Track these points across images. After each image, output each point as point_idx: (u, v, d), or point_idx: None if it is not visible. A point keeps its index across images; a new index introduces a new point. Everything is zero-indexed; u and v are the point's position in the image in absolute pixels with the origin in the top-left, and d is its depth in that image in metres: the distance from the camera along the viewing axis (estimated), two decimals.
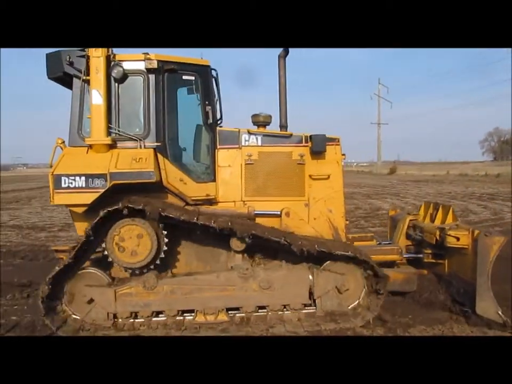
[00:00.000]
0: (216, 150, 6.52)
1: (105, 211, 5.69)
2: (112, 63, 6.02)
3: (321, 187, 6.63)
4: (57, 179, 5.77)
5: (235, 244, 6.12)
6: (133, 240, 5.88)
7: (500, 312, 5.81)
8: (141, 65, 6.08)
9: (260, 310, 6.28)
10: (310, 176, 6.61)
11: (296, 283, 6.16)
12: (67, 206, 6.00)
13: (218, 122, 6.73)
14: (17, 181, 55.29)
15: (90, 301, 6.05)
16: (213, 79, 6.63)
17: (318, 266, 6.19)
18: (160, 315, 6.22)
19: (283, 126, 6.79)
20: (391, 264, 7.03)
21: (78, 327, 5.98)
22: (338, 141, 6.64)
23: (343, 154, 6.65)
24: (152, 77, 6.12)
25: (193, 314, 6.19)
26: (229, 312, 6.21)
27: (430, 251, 7.11)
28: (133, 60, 6.13)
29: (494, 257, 5.87)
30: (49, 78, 6.21)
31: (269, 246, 6.16)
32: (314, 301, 6.25)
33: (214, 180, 6.50)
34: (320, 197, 6.63)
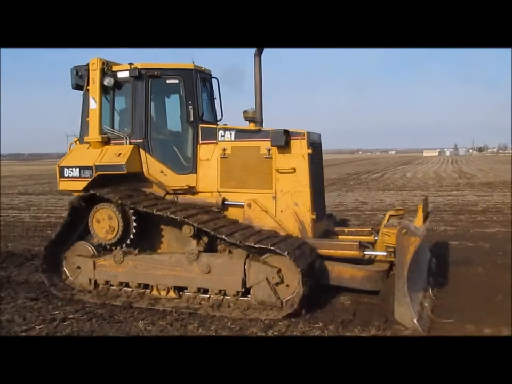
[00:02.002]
0: (198, 145, 7.25)
1: (76, 197, 7.16)
2: (106, 74, 7.19)
3: (287, 180, 6.84)
4: (61, 170, 7.35)
5: (184, 229, 6.72)
6: (105, 221, 6.92)
7: (415, 321, 5.41)
8: (131, 73, 7.19)
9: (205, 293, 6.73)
10: (277, 170, 6.87)
11: (232, 271, 6.46)
12: (68, 191, 7.52)
13: (219, 120, 7.79)
14: None
15: (78, 267, 7.32)
16: (203, 81, 7.52)
17: (259, 257, 6.41)
18: (127, 286, 7.12)
19: (257, 122, 7.13)
20: (371, 261, 6.77)
21: (67, 288, 7.34)
22: (304, 135, 6.76)
23: (309, 149, 6.75)
24: (138, 82, 7.16)
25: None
26: (180, 292, 6.84)
27: (392, 249, 6.42)
28: (123, 69, 7.25)
29: (410, 259, 5.51)
30: (72, 88, 7.53)
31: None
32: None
33: (195, 172, 7.25)
34: (286, 190, 6.86)
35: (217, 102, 8.03)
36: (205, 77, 7.66)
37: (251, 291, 6.42)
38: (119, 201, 6.76)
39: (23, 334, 5.84)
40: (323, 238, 7.13)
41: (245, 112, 7.18)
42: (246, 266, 6.39)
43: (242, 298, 6.48)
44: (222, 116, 7.90)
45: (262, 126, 7.14)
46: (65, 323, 6.21)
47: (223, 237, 6.27)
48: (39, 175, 52.84)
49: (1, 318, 6.41)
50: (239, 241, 6.18)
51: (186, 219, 6.46)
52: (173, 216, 6.50)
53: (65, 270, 7.48)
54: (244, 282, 6.40)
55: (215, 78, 7.94)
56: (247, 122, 7.28)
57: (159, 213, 6.55)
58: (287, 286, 6.24)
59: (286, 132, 6.72)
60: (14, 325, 6.15)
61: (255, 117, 7.13)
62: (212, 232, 6.33)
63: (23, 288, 7.83)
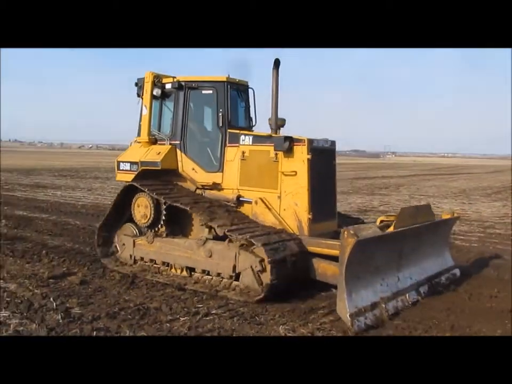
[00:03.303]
0: (225, 147, 8.15)
1: (122, 188, 8.59)
2: (156, 85, 8.54)
3: (290, 182, 7.47)
4: (118, 164, 8.93)
5: (197, 219, 7.92)
6: (142, 208, 8.24)
7: (348, 316, 5.75)
8: (172, 86, 8.50)
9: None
10: (282, 172, 7.52)
11: (227, 257, 7.23)
12: (123, 181, 8.78)
13: (253, 126, 8.91)
14: (385, 168, 64.07)
15: (123, 244, 8.71)
16: (237, 92, 8.62)
17: (248, 248, 7.03)
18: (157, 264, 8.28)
19: (272, 129, 7.82)
20: None
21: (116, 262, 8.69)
22: (305, 142, 7.33)
23: (309, 154, 7.28)
24: (179, 93, 8.43)
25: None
26: (191, 274, 7.81)
27: None
28: (169, 82, 8.56)
29: (346, 259, 5.81)
30: (137, 97, 8.87)
31: None
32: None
33: (222, 171, 8.18)
34: (289, 191, 7.48)
35: (252, 109, 9.03)
36: (239, 88, 8.69)
37: (240, 276, 7.12)
38: (151, 193, 7.97)
39: (167, 325, 5.98)
40: (319, 237, 7.37)
41: (269, 119, 7.86)
42: (236, 254, 7.09)
43: (235, 282, 7.21)
44: (255, 122, 8.95)
45: (276, 133, 7.87)
46: (207, 318, 6.27)
47: (215, 226, 7.29)
48: None
49: (150, 305, 6.61)
50: (224, 231, 7.09)
51: (191, 209, 7.60)
52: (183, 206, 7.61)
53: (116, 245, 8.89)
54: (234, 268, 7.15)
55: (251, 88, 8.91)
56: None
57: (175, 204, 7.71)
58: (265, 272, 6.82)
59: (289, 139, 7.35)
60: (160, 314, 6.34)
61: (282, 124, 8.09)
62: (209, 222, 7.38)
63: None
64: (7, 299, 6.65)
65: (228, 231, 7.08)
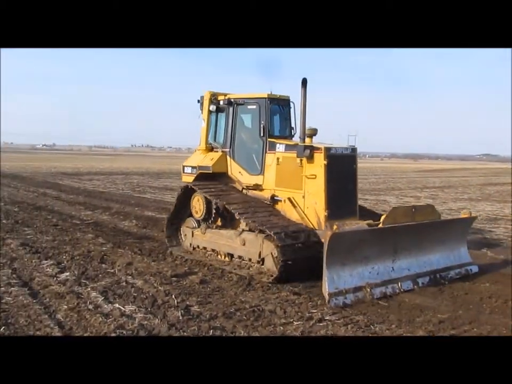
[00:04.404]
0: (265, 154, 9.33)
1: (182, 188, 10.21)
2: (212, 102, 9.97)
3: (311, 184, 8.52)
4: (183, 168, 10.50)
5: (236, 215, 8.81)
6: (197, 204, 9.76)
7: (326, 295, 6.90)
8: (223, 102, 9.92)
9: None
10: (305, 175, 8.57)
11: (255, 245, 8.58)
12: (185, 182, 10.17)
13: (293, 135, 9.96)
14: None
15: (185, 235, 10.34)
16: (279, 105, 9.77)
17: (270, 237, 8.11)
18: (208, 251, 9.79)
19: (301, 138, 8.75)
20: None
21: (181, 249, 10.22)
22: (321, 150, 8.35)
23: (325, 160, 8.28)
24: (229, 108, 9.82)
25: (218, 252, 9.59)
26: (232, 258, 9.22)
27: None
28: (222, 99, 9.96)
29: (326, 248, 6.85)
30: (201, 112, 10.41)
31: None
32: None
33: (263, 174, 9.37)
34: (311, 191, 8.53)
35: (293, 120, 10.08)
36: (279, 102, 9.79)
37: (264, 261, 8.41)
38: (202, 192, 9.44)
39: (281, 328, 6.01)
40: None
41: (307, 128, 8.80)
42: (261, 243, 8.39)
43: (262, 266, 8.49)
44: (295, 132, 9.90)
45: (304, 142, 8.68)
46: (321, 324, 6.25)
47: (243, 219, 8.60)
48: None
49: (265, 307, 6.72)
50: (250, 222, 8.48)
51: (229, 206, 8.82)
52: (223, 203, 8.95)
53: (180, 236, 10.47)
54: (260, 254, 8.47)
55: (292, 102, 9.92)
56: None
57: (219, 201, 9.08)
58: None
59: (310, 147, 8.42)
60: (274, 317, 6.43)
61: (314, 133, 8.82)
62: (238, 216, 8.70)
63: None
64: (134, 294, 7.14)
65: (253, 223, 8.41)
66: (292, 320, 6.30)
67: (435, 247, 8.52)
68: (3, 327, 5.72)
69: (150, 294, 7.15)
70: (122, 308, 6.52)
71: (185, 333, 5.75)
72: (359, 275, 7.38)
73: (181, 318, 6.22)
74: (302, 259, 8.00)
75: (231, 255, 9.22)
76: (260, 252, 8.47)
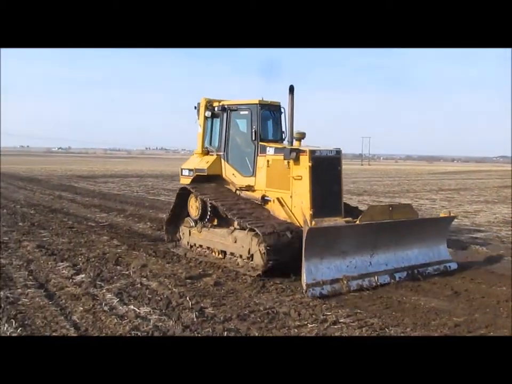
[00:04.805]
0: (257, 157, 9.77)
1: (179, 189, 10.84)
2: (207, 108, 10.52)
3: (298, 185, 8.96)
4: (181, 170, 11.11)
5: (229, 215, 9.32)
6: (193, 204, 10.29)
7: (304, 285, 7.46)
8: (218, 108, 10.44)
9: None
10: (292, 177, 9.01)
11: (245, 242, 9.04)
12: (183, 184, 10.73)
13: (284, 138, 10.22)
14: None
15: (183, 233, 10.88)
16: (270, 111, 10.24)
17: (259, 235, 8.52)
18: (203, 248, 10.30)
19: (289, 142, 9.33)
20: None
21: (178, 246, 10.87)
22: (307, 153, 8.78)
23: (310, 162, 8.72)
24: (223, 114, 10.32)
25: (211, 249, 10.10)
26: (225, 255, 9.67)
27: None
28: (217, 105, 10.48)
29: (304, 242, 7.43)
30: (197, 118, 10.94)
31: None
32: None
33: (254, 176, 9.82)
34: (297, 192, 8.97)
35: (283, 125, 10.35)
36: (270, 108, 10.26)
37: (253, 257, 8.84)
38: (197, 193, 9.97)
39: (295, 330, 6.01)
40: None
41: (296, 133, 9.35)
42: (250, 240, 8.86)
43: (250, 261, 8.94)
44: (285, 135, 10.06)
45: (291, 145, 9.18)
46: (335, 326, 6.22)
47: (234, 218, 9.12)
48: None
49: (279, 309, 6.72)
50: (240, 221, 8.99)
51: (222, 207, 9.33)
52: (216, 204, 9.49)
53: (179, 234, 11.03)
54: (249, 251, 8.90)
55: (283, 107, 10.18)
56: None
57: (212, 202, 9.62)
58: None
59: (296, 150, 8.87)
60: (289, 319, 6.41)
61: (303, 137, 9.29)
62: (230, 216, 9.23)
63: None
64: (149, 296, 7.18)
65: (243, 222, 8.90)
66: (306, 322, 6.28)
67: (414, 244, 8.98)
68: (20, 328, 5.77)
69: (165, 296, 7.17)
70: (137, 309, 6.56)
71: (199, 335, 5.76)
72: (336, 268, 7.90)
73: (195, 319, 6.24)
74: (287, 255, 8.31)
75: (224, 252, 9.65)
76: (249, 249, 8.94)
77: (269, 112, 10.26)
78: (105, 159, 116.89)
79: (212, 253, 10.01)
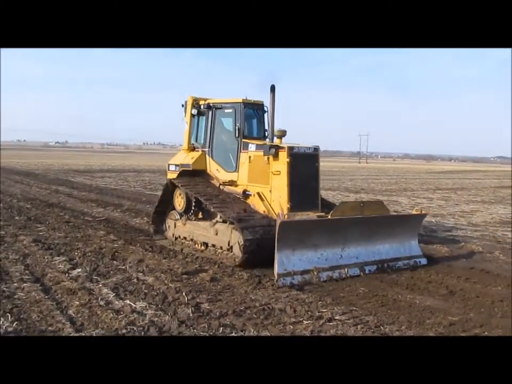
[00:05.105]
0: (240, 153, 10.18)
1: (165, 184, 11.53)
2: (194, 106, 10.94)
3: (276, 180, 9.39)
4: (168, 165, 11.43)
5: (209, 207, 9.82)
6: (178, 198, 10.82)
7: (275, 274, 7.87)
8: (204, 106, 10.88)
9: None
10: (272, 172, 9.44)
11: (225, 235, 9.49)
12: (170, 179, 11.10)
13: (267, 136, 10.36)
14: None
15: (169, 226, 11.34)
16: (253, 109, 10.66)
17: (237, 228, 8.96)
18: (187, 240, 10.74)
19: (269, 139, 9.80)
20: None
21: (163, 238, 11.37)
22: (285, 149, 9.26)
23: (288, 158, 9.17)
24: (209, 111, 10.78)
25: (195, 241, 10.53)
26: (207, 247, 10.11)
27: None
28: (203, 104, 10.90)
29: (276, 234, 7.86)
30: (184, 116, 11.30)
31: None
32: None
33: (237, 171, 10.23)
34: (276, 186, 9.40)
35: (266, 123, 10.66)
36: (254, 107, 10.67)
37: (232, 248, 9.28)
38: (182, 187, 10.47)
39: (290, 327, 6.01)
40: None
41: (276, 130, 9.80)
42: (230, 233, 9.30)
43: (230, 253, 9.37)
44: (268, 133, 10.24)
45: (271, 142, 9.65)
46: (331, 323, 6.22)
47: (217, 212, 9.56)
48: (330, 171, 55.98)
49: (275, 306, 6.73)
50: (221, 214, 9.45)
51: (204, 201, 9.78)
52: (200, 198, 9.92)
53: (165, 227, 11.46)
54: (229, 243, 9.36)
55: (266, 106, 10.54)
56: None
57: (196, 196, 10.06)
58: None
59: (275, 146, 9.34)
60: (284, 315, 6.43)
61: (283, 134, 9.80)
62: (212, 209, 9.72)
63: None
64: (145, 291, 7.18)
65: (224, 216, 9.28)
66: (301, 319, 6.28)
67: (385, 239, 9.36)
68: (16, 323, 5.77)
69: (161, 291, 7.18)
70: (133, 304, 6.56)
71: (195, 330, 5.77)
72: (308, 260, 8.33)
73: (191, 315, 6.24)
74: (264, 247, 8.56)
75: (206, 244, 10.10)
76: (229, 241, 9.37)
77: (253, 110, 10.71)
78: (102, 154, 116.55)
79: (194, 244, 10.44)
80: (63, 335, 5.53)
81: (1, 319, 5.86)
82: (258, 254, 8.69)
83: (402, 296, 7.54)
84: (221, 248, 9.65)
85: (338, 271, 8.50)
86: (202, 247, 10.21)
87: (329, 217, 8.71)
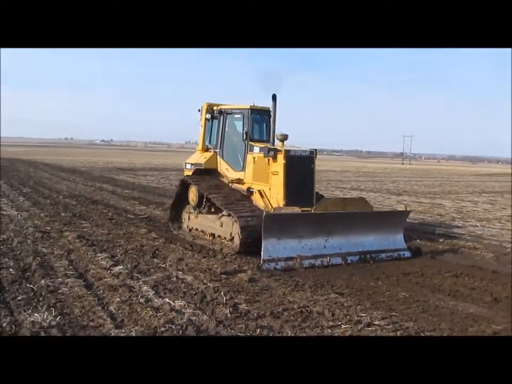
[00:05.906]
0: (247, 154, 11.13)
1: (179, 181, 12.67)
2: (208, 111, 11.99)
3: (275, 179, 10.39)
4: (185, 164, 12.68)
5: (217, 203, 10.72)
6: (192, 193, 11.72)
7: (261, 261, 8.84)
8: (216, 112, 11.90)
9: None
10: (271, 172, 10.46)
11: (228, 226, 10.46)
12: (185, 176, 12.15)
13: (270, 140, 10.97)
14: None
15: (184, 219, 12.35)
16: (260, 115, 11.52)
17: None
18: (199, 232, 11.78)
19: (271, 142, 10.75)
20: None
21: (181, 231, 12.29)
22: (282, 152, 10.26)
23: (284, 160, 10.18)
24: (220, 116, 11.80)
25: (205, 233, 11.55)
26: (214, 237, 11.10)
27: None
28: (216, 109, 11.90)
29: (262, 225, 8.83)
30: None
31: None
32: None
33: (244, 170, 11.18)
34: (274, 185, 10.40)
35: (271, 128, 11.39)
36: (261, 112, 11.54)
37: (233, 239, 10.18)
38: (194, 184, 11.49)
39: (328, 330, 5.99)
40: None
41: (277, 135, 10.73)
42: (232, 225, 10.23)
43: (231, 242, 10.30)
44: (271, 137, 10.93)
45: (273, 145, 10.60)
46: (369, 328, 6.15)
47: (221, 206, 10.46)
48: (373, 172, 55.24)
49: (313, 308, 6.69)
50: (223, 207, 10.42)
51: (210, 196, 10.79)
52: (207, 194, 10.97)
53: (182, 220, 12.45)
54: (231, 233, 10.32)
55: (271, 111, 11.12)
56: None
57: (205, 192, 11.08)
58: None
59: (274, 149, 10.36)
60: (322, 319, 6.38)
61: (285, 138, 10.64)
62: (218, 204, 10.57)
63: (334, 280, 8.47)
64: (184, 290, 7.26)
65: (227, 210, 10.24)
66: (339, 323, 6.22)
67: (369, 232, 10.19)
68: (59, 317, 5.93)
69: (200, 290, 7.25)
70: (172, 302, 6.64)
71: (232, 331, 5.80)
72: (292, 248, 9.24)
73: (229, 315, 6.27)
74: (259, 235, 9.24)
75: (213, 235, 11.14)
76: (231, 232, 10.32)
77: (259, 116, 11.68)
78: (146, 152, 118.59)
79: (204, 235, 11.48)
80: (98, 335, 5.57)
81: (46, 312, 6.05)
82: (253, 242, 9.45)
83: (444, 303, 7.36)
84: (225, 238, 10.61)
85: (320, 259, 9.39)
86: (210, 238, 11.22)
87: (311, 211, 9.90)
